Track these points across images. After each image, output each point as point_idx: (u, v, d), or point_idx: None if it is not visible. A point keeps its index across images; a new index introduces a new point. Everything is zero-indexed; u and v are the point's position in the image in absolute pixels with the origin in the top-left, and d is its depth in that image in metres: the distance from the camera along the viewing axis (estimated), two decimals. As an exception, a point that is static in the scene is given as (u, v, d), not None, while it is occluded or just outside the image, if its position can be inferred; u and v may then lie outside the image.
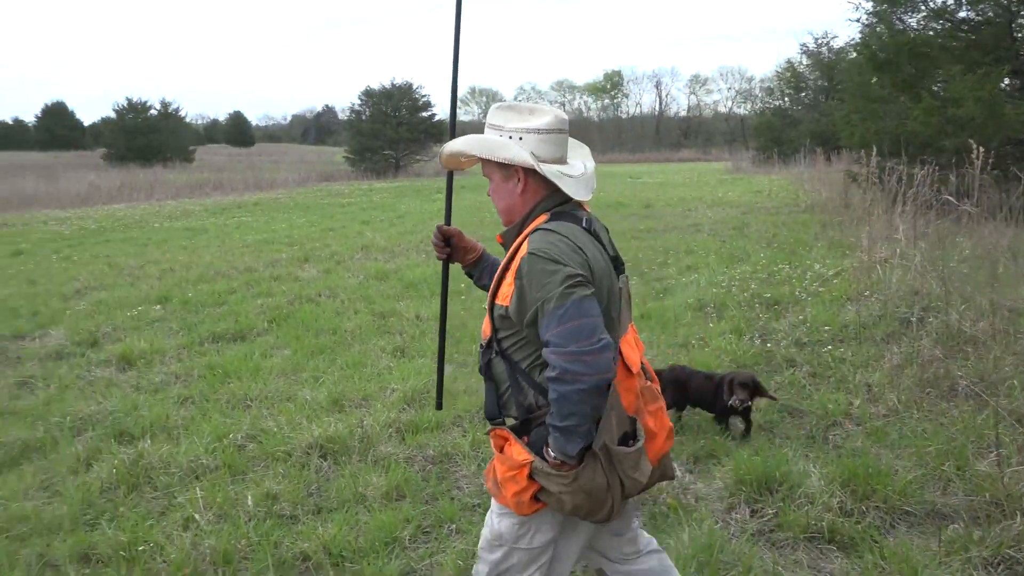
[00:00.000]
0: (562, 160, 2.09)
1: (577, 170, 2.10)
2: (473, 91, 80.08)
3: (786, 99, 38.03)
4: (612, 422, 1.92)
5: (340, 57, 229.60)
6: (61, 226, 17.05)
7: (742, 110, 70.10)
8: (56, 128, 64.46)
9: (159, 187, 27.97)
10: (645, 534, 2.39)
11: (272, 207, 20.32)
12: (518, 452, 1.98)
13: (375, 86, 40.62)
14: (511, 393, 2.05)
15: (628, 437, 1.99)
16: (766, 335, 5.92)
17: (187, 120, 54.06)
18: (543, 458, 1.92)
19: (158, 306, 7.93)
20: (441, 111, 41.97)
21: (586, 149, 2.25)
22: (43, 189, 25.05)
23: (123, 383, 5.52)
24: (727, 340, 5.78)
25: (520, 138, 2.04)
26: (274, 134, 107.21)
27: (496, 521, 2.10)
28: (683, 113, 78.40)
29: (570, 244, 1.92)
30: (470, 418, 4.52)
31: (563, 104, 78.27)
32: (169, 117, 50.00)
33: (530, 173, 2.06)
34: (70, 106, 67.82)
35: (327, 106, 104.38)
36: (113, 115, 50.47)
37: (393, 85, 40.11)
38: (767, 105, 40.69)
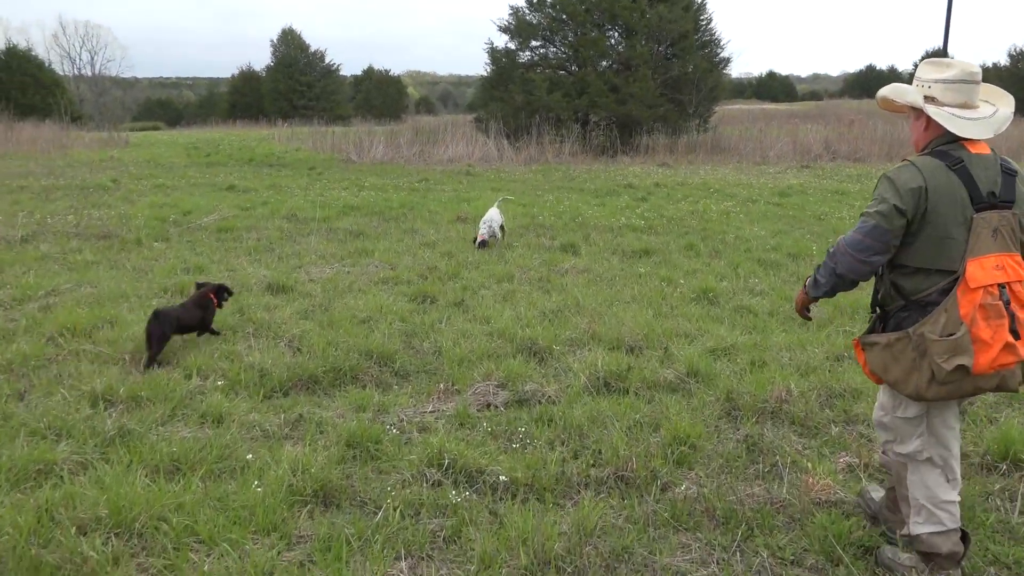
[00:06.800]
0: (967, 105, 2.52)
1: (983, 113, 2.51)
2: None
3: None
4: (941, 320, 2.44)
5: None
6: None
7: None
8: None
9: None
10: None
11: None
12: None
13: None
14: (877, 284, 2.77)
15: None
16: None
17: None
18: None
19: None
20: None
21: (1008, 97, 2.62)
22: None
23: None
24: None
25: (928, 86, 2.56)
26: None
27: (880, 393, 2.86)
28: None
29: (916, 175, 2.46)
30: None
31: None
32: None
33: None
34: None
35: None
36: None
37: None
38: None
